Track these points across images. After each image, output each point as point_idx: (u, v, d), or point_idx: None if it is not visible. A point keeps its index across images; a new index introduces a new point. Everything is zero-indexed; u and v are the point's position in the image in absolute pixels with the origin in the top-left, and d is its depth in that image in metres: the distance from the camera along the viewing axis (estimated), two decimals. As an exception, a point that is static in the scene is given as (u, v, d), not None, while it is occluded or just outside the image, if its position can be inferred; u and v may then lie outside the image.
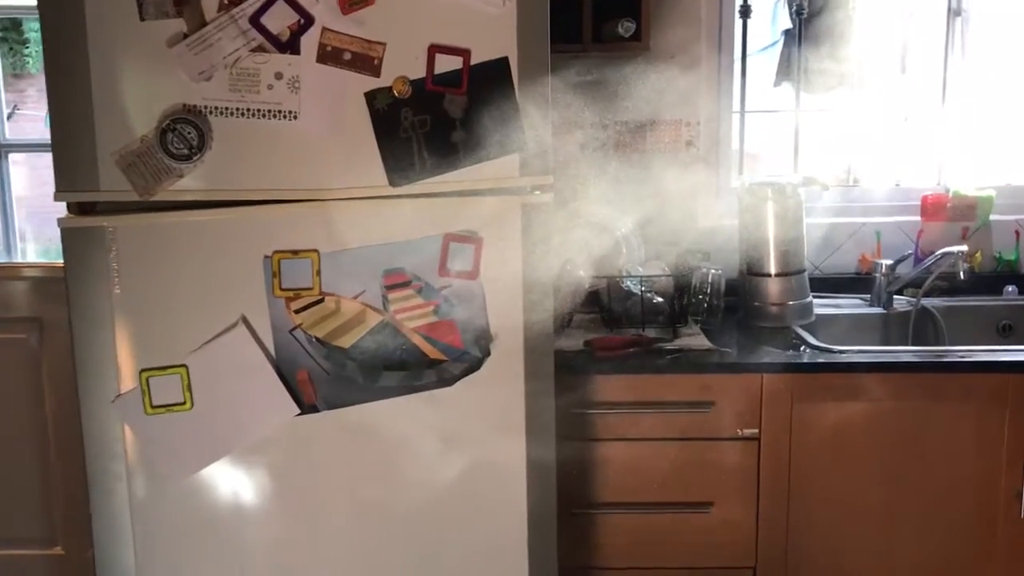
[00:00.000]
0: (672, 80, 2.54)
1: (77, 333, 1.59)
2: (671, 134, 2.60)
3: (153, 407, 1.62)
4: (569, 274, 2.26)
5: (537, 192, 1.75)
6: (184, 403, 1.63)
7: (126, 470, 1.64)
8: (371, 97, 1.63)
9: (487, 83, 1.68)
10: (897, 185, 2.73)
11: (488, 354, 1.75)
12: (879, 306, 2.50)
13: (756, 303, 2.36)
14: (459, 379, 1.74)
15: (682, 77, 2.56)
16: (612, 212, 2.49)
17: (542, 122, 1.73)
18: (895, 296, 2.52)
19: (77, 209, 1.59)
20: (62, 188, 1.56)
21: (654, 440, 2.09)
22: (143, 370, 1.61)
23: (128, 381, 1.62)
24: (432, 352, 1.72)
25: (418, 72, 1.64)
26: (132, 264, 1.59)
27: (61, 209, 1.59)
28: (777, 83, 2.76)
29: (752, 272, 2.37)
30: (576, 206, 2.47)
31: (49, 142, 1.54)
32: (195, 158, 1.56)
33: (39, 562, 2.54)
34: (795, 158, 2.72)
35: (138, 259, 1.60)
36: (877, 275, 2.50)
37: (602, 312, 2.26)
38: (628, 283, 2.27)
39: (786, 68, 2.75)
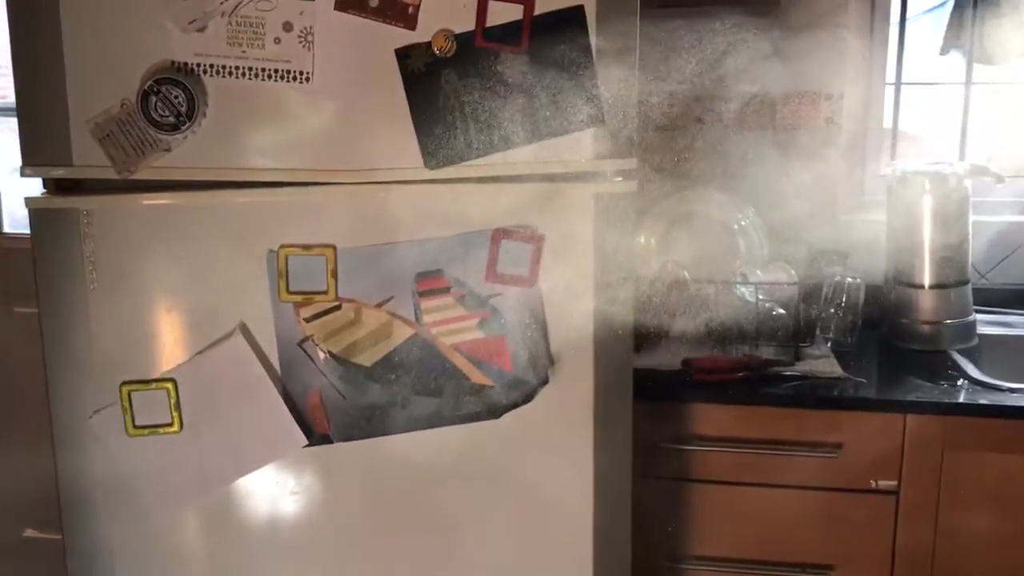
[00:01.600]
0: (810, 43, 2.10)
1: (47, 336, 1.33)
2: (806, 109, 2.16)
3: (136, 427, 1.35)
4: (669, 276, 1.88)
5: (617, 179, 1.38)
6: (172, 424, 1.35)
7: (105, 500, 1.38)
8: (404, 55, 1.30)
9: (554, 39, 1.32)
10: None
11: (547, 381, 1.40)
12: (1063, 327, 2.02)
13: (904, 320, 1.91)
14: (509, 410, 1.40)
15: (823, 39, 2.11)
16: (729, 201, 2.09)
17: (626, 90, 1.36)
18: (1084, 316, 2.03)
19: (55, 187, 1.32)
20: (29, 162, 1.29)
21: (765, 486, 1.72)
22: (124, 383, 1.34)
23: (107, 395, 1.35)
24: (476, 376, 1.39)
25: (465, 24, 1.30)
26: (111, 255, 1.32)
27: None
28: (944, 51, 2.29)
29: (901, 281, 1.93)
30: (684, 193, 2.07)
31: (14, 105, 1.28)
32: (184, 128, 1.27)
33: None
34: (962, 142, 2.24)
35: (118, 250, 1.32)
36: (1062, 289, 2.02)
37: (708, 325, 1.86)
38: (742, 290, 1.87)
39: (956, 33, 2.27)
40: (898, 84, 2.23)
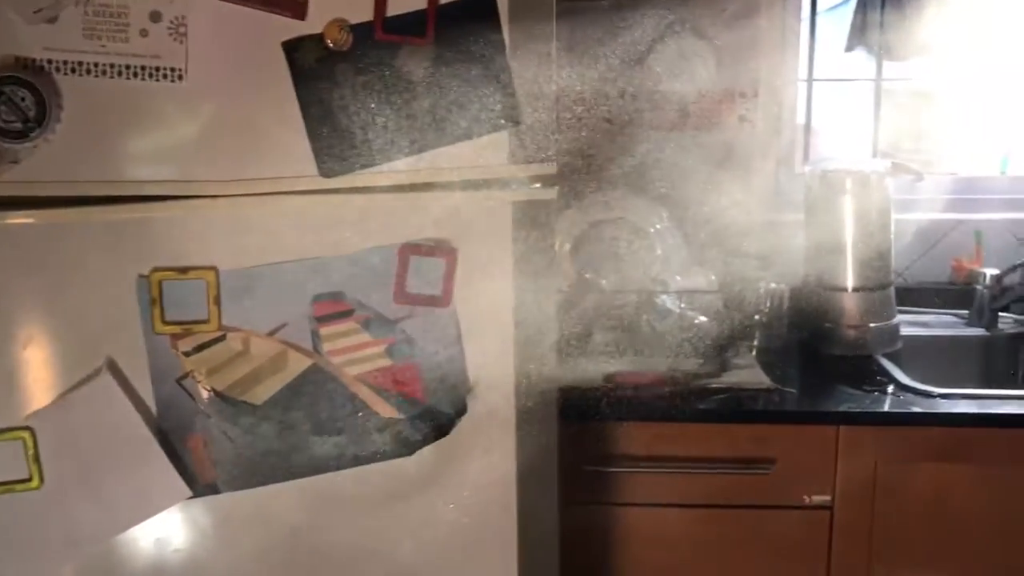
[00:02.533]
0: (723, 39, 2.01)
1: None
2: (720, 107, 2.07)
3: (-13, 485, 1.15)
4: (586, 288, 1.76)
5: (535, 185, 1.25)
6: (30, 479, 1.16)
7: (-49, 572, 1.18)
8: (292, 49, 1.14)
9: (463, 30, 1.18)
10: (1003, 173, 2.19)
11: (464, 410, 1.26)
12: (979, 326, 1.98)
13: (828, 325, 1.84)
14: (423, 445, 1.25)
15: (735, 35, 2.03)
16: (643, 204, 1.99)
17: (543, 88, 1.24)
18: (1001, 314, 1.99)
19: None
20: None
21: (694, 507, 1.62)
22: (-30, 435, 1.14)
23: (-50, 450, 1.15)
24: (384, 409, 1.24)
25: (362, 14, 1.15)
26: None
27: None
28: (849, 47, 2.25)
29: (823, 285, 1.85)
30: (596, 198, 1.96)
31: None
32: (34, 135, 1.08)
33: None
34: (874, 139, 2.19)
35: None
36: (979, 287, 1.98)
37: (628, 337, 1.75)
38: (663, 299, 1.77)
39: (860, 30, 2.23)
40: (810, 81, 2.17)
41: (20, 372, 1.15)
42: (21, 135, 1.08)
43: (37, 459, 1.15)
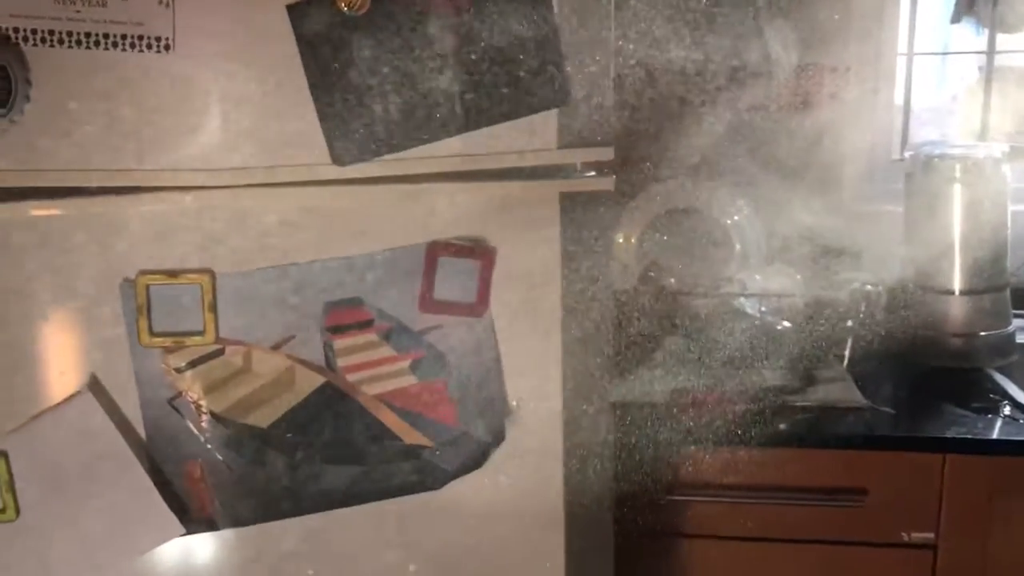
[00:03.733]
0: (811, 8, 1.79)
1: None
2: (807, 84, 1.85)
3: (-43, 516, 1.01)
4: (650, 287, 1.57)
5: (589, 173, 1.07)
6: (3, 510, 1.02)
7: (-81, 613, 1.04)
8: (300, 14, 0.97)
9: (502, -9, 1.00)
10: None
11: (502, 437, 1.08)
12: (1108, 335, 1.73)
13: (930, 333, 1.61)
14: (454, 478, 1.08)
15: (825, 4, 1.81)
16: (718, 194, 1.78)
17: (599, 59, 1.05)
18: None
19: None
20: None
21: (773, 541, 1.43)
22: (-63, 458, 1.00)
23: (-85, 476, 1.01)
24: (409, 435, 1.06)
25: (382, -29, 0.97)
26: (-90, 290, 0.98)
27: None
28: (955, 19, 2.00)
29: (926, 287, 1.62)
30: (664, 186, 1.76)
31: None
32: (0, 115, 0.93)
33: None
34: (983, 120, 1.94)
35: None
36: (1107, 289, 1.73)
37: (699, 347, 1.55)
38: (741, 302, 1.56)
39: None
40: (910, 55, 1.93)
41: (-9, 389, 1.00)
42: (-15, 116, 0.93)
43: (11, 487, 1.01)
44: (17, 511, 1.02)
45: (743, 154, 1.81)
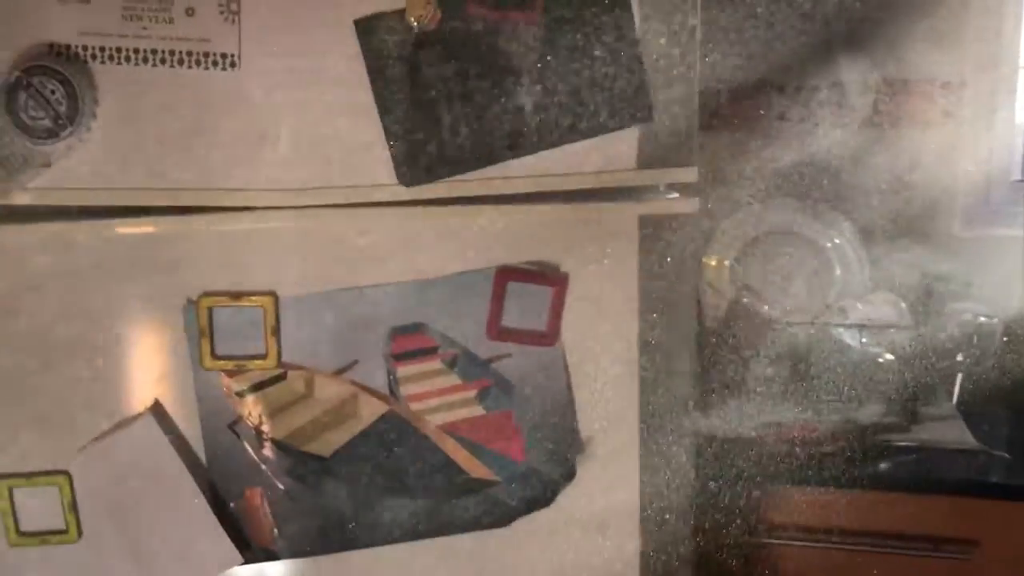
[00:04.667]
0: (919, 16, 1.68)
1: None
2: (918, 101, 1.73)
3: (20, 534, 1.01)
4: (743, 313, 1.48)
5: (671, 195, 1.00)
6: (67, 531, 1.00)
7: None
8: (367, 29, 0.93)
9: (583, 2, 0.94)
10: None
11: (572, 475, 1.02)
12: None
13: (1052, 370, 1.47)
14: (521, 515, 1.02)
15: (935, 12, 1.69)
16: (820, 214, 1.68)
17: (683, 74, 0.99)
18: None
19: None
20: None
21: (870, 591, 1.31)
22: (2, 476, 1.00)
23: (-18, 493, 1.01)
24: (474, 468, 1.01)
25: (453, -16, 0.93)
26: (-22, 308, 0.98)
27: None
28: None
29: (1047, 320, 1.49)
30: (761, 205, 1.67)
31: None
32: (64, 134, 0.92)
33: None
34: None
35: (-13, 300, 0.98)
36: None
37: (793, 379, 1.46)
38: (840, 331, 1.46)
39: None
40: (1033, 67, 1.79)
41: (53, 411, 0.99)
42: (51, 133, 0.92)
43: (74, 508, 1.00)
44: (79, 533, 1.01)
45: (845, 174, 1.70)
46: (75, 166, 0.94)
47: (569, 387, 1.01)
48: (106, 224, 0.96)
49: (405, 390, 1.00)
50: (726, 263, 1.69)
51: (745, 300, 1.52)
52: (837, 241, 1.67)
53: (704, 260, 1.56)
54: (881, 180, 1.70)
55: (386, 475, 1.00)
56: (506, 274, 0.99)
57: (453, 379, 1.00)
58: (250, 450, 0.99)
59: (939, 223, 1.65)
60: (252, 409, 0.99)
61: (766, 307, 1.54)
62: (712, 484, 1.19)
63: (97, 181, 0.94)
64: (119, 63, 0.92)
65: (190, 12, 0.92)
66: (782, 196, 1.71)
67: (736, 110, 1.64)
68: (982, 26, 1.72)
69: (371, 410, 0.99)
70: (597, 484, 1.03)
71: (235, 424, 0.99)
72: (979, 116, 1.72)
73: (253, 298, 0.96)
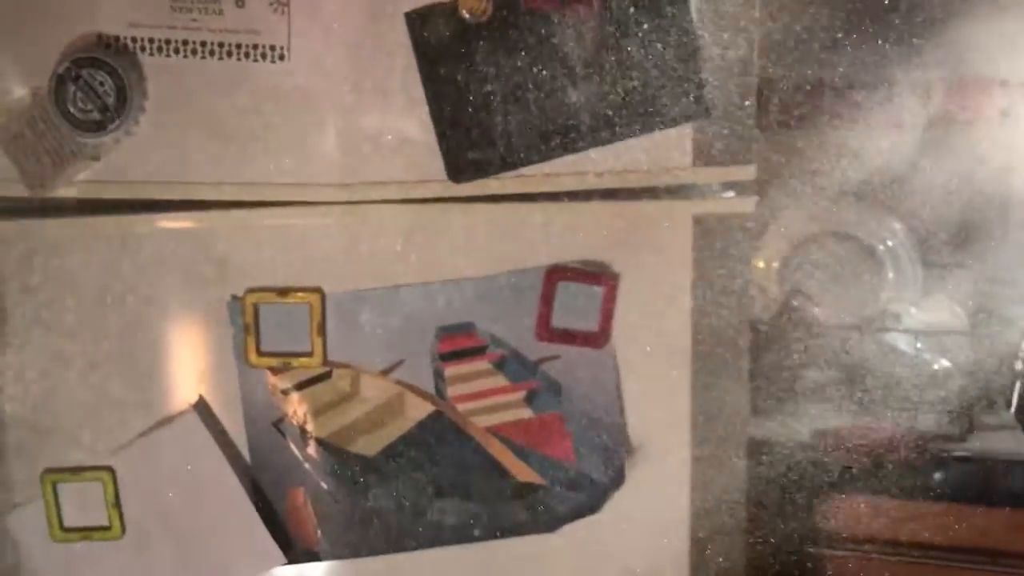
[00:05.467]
0: (978, 11, 1.63)
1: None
2: (975, 98, 1.68)
3: (64, 529, 1.00)
4: (793, 316, 1.44)
5: (727, 194, 0.98)
6: (110, 528, 1.00)
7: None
8: (418, 21, 0.91)
9: (636, -4, 0.92)
10: None
11: (622, 480, 1.00)
12: None
13: (1115, 378, 1.42)
14: (569, 521, 1.00)
15: (993, 7, 1.64)
16: (872, 215, 1.64)
17: (741, 68, 0.96)
18: None
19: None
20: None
21: (924, 604, 1.27)
22: (47, 471, 0.99)
23: (26, 487, 1.00)
24: (522, 471, 0.99)
25: (507, -24, 0.91)
26: (22, 302, 0.97)
27: None
28: None
29: (1111, 327, 1.44)
30: (812, 205, 1.63)
31: None
32: (113, 127, 0.91)
33: None
34: None
35: (31, 295, 0.97)
36: None
37: (845, 385, 1.42)
38: (895, 337, 1.42)
39: None
40: (1096, 65, 1.73)
41: (96, 405, 0.98)
42: (99, 125, 0.91)
43: (117, 504, 0.99)
44: (123, 529, 1.00)
45: (901, 174, 1.66)
46: (124, 159, 0.93)
47: (619, 390, 0.99)
48: (147, 219, 0.95)
49: (452, 391, 0.98)
50: (774, 264, 1.65)
51: (795, 303, 1.48)
52: (890, 243, 1.63)
53: (752, 262, 1.53)
54: (936, 181, 1.65)
55: (431, 477, 0.99)
56: (556, 273, 0.96)
57: (501, 380, 0.98)
58: (294, 449, 0.98)
59: (995, 226, 1.61)
60: (297, 407, 0.97)
61: (816, 310, 1.50)
62: (765, 491, 1.16)
63: (145, 174, 0.93)
64: (168, 55, 0.91)
65: (240, 3, 0.90)
66: (832, 196, 1.67)
67: (789, 108, 1.61)
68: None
69: (417, 410, 0.98)
70: (647, 489, 1.01)
71: (279, 422, 0.98)
72: (1039, 116, 1.68)
73: (299, 295, 0.95)
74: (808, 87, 1.58)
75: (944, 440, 1.31)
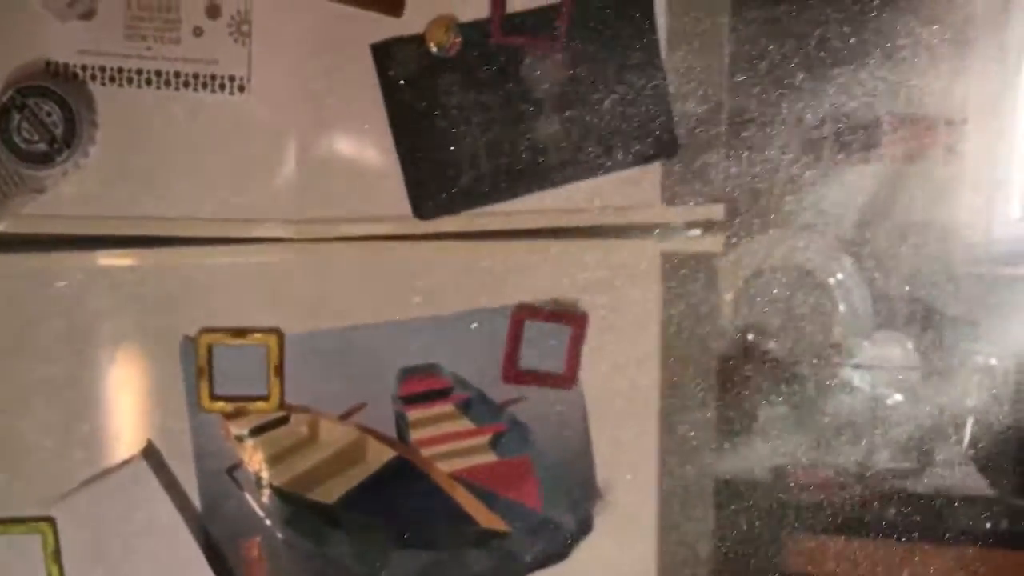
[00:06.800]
0: (925, 48, 1.66)
1: None
2: (921, 135, 1.71)
3: (-2, 586, 0.94)
4: (744, 351, 1.44)
5: (694, 232, 0.97)
6: (49, 582, 0.94)
7: None
8: (385, 54, 0.89)
9: (607, 30, 0.90)
10: None
11: (589, 526, 0.97)
12: None
13: (1062, 414, 1.45)
14: (535, 568, 0.97)
15: (940, 44, 1.68)
16: (823, 249, 1.65)
17: (710, 106, 0.95)
18: None
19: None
20: None
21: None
22: (-18, 522, 0.93)
23: (-42, 540, 0.94)
24: (486, 518, 0.96)
25: (475, 10, 0.89)
26: (-40, 341, 0.91)
27: None
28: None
29: (1058, 363, 1.46)
30: (763, 239, 1.64)
31: None
32: (61, 159, 0.86)
33: None
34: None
35: (-30, 333, 0.91)
36: None
37: (796, 421, 1.42)
38: (846, 372, 1.43)
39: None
40: (1035, 105, 1.78)
41: (38, 452, 0.93)
42: (46, 158, 0.86)
43: (57, 557, 0.93)
44: (62, 583, 0.94)
45: (850, 208, 1.68)
46: (71, 193, 0.88)
47: (587, 431, 0.97)
48: (88, 255, 0.90)
49: (415, 434, 0.94)
50: (727, 298, 1.65)
51: (751, 337, 1.48)
52: (840, 276, 1.64)
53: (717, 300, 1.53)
54: (884, 216, 1.67)
55: (392, 525, 0.95)
56: (523, 312, 0.94)
57: (465, 423, 0.95)
58: (249, 497, 0.93)
59: (945, 260, 1.63)
60: (252, 454, 0.93)
61: (769, 344, 1.50)
62: (732, 532, 1.15)
63: (94, 209, 0.89)
64: (120, 85, 0.87)
65: (198, 32, 0.87)
66: (781, 229, 1.68)
67: (753, 145, 1.62)
68: (986, 60, 1.71)
69: (378, 456, 0.94)
70: (613, 535, 0.98)
71: (233, 470, 0.93)
72: (983, 152, 1.71)
73: (257, 335, 0.91)
74: (773, 121, 1.60)
75: (897, 477, 1.32)
